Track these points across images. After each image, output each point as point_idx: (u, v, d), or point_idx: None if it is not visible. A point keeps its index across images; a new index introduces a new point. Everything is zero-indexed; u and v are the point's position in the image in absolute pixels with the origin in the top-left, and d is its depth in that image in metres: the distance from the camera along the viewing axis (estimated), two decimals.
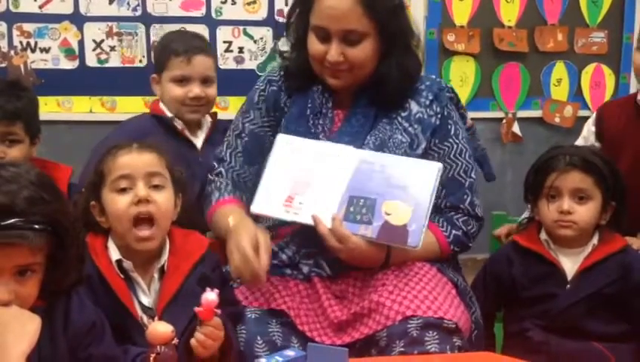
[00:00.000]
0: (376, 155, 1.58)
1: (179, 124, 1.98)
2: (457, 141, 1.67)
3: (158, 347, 1.13)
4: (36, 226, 1.05)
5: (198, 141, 2.01)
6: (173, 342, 1.18)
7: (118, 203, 1.39)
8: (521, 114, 3.61)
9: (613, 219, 1.67)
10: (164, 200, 1.42)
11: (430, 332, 1.42)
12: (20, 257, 1.06)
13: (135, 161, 1.42)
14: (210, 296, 1.24)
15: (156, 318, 1.28)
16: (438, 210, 1.62)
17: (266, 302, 1.53)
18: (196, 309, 1.24)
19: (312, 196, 1.55)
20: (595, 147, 1.73)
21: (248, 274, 1.44)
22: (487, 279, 1.75)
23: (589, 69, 3.62)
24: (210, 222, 1.69)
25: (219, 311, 1.26)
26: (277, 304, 1.52)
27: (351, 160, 1.57)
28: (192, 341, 1.27)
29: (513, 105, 3.61)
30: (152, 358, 1.13)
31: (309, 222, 1.53)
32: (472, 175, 1.67)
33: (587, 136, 2.13)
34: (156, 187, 1.42)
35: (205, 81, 1.98)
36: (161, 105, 2.01)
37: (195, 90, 1.95)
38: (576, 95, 3.62)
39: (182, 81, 1.96)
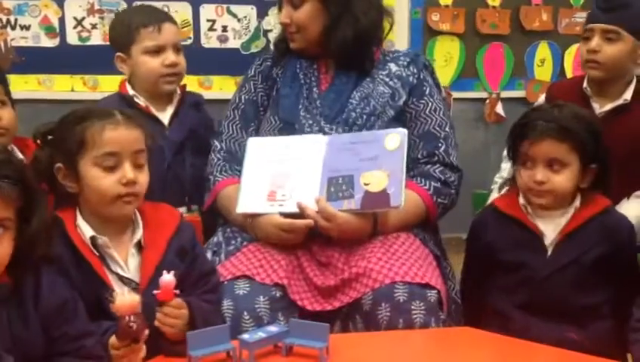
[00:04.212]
0: (342, 136, 1.68)
1: (141, 101, 1.94)
2: (432, 100, 1.79)
3: (127, 317, 1.14)
4: (7, 180, 1.11)
5: (165, 116, 1.97)
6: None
7: (104, 182, 1.37)
8: (505, 94, 3.63)
9: (598, 181, 1.61)
10: (145, 177, 1.43)
11: (417, 302, 1.45)
12: None
13: (124, 137, 1.39)
14: (167, 277, 1.27)
15: (126, 289, 1.28)
16: (413, 163, 1.71)
17: (258, 275, 1.55)
18: (155, 292, 1.28)
19: (293, 186, 1.63)
20: (579, 107, 1.67)
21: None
22: (469, 244, 1.72)
23: (573, 49, 3.62)
24: (214, 203, 1.78)
25: (177, 292, 1.29)
26: (270, 278, 1.54)
27: (320, 145, 1.66)
28: (156, 322, 1.30)
29: (497, 86, 3.62)
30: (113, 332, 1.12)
31: (295, 210, 1.59)
32: (447, 128, 1.77)
33: None
34: (140, 166, 1.41)
35: (176, 49, 1.97)
36: (127, 85, 1.98)
37: (171, 57, 1.93)
38: (559, 75, 3.63)
39: (155, 51, 1.93)
